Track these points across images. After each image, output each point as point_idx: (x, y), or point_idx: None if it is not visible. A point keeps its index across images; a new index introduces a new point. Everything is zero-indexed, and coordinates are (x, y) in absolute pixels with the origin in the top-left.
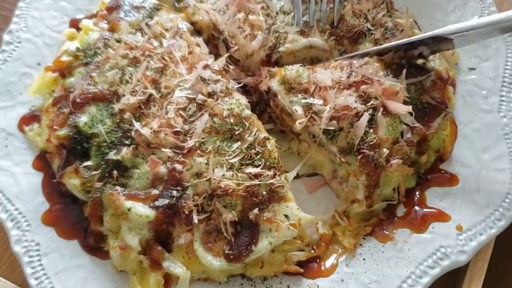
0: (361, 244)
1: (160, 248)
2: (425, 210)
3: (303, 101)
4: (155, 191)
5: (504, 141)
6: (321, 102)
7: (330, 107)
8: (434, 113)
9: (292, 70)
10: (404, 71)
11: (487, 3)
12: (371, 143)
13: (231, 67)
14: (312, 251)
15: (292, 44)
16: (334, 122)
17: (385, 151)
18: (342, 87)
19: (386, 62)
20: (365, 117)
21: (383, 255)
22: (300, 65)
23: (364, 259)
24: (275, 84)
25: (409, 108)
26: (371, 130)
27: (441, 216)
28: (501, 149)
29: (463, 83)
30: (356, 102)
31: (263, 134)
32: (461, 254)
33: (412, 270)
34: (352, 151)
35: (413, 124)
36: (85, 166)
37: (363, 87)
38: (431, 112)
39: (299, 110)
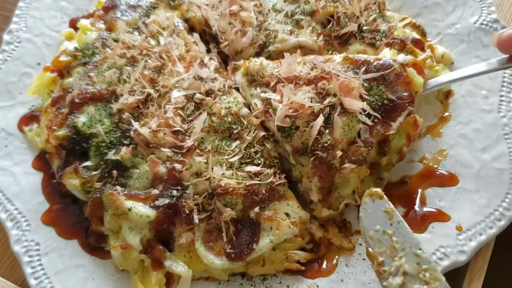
0: (360, 244)
1: (161, 247)
2: (424, 210)
3: (262, 94)
4: (155, 191)
5: (504, 141)
6: (279, 97)
7: (283, 104)
8: (396, 111)
9: (256, 62)
10: (364, 67)
11: (487, 3)
12: (325, 144)
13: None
14: (313, 253)
15: (282, 44)
16: (287, 119)
17: (339, 153)
18: (301, 83)
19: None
20: (320, 118)
21: None
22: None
23: (364, 259)
24: (238, 77)
25: (363, 104)
26: (327, 131)
27: (441, 216)
28: (501, 149)
29: (463, 83)
30: (312, 100)
31: (262, 132)
32: (460, 254)
33: None
34: (306, 151)
35: (371, 123)
36: (84, 166)
37: (320, 83)
38: (393, 110)
39: (258, 103)
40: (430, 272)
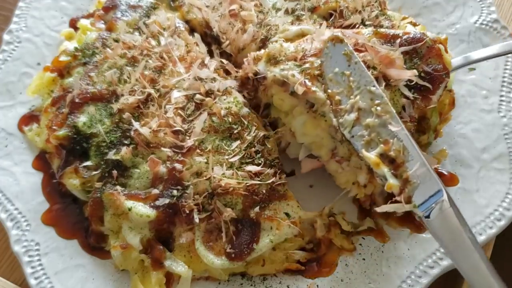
0: (360, 244)
1: (161, 247)
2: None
3: (297, 68)
4: (156, 191)
5: (503, 141)
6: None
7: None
8: (434, 84)
9: (275, 45)
10: (398, 40)
11: (487, 3)
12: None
13: (225, 62)
14: (313, 253)
15: (284, 34)
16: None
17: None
18: None
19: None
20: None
21: (383, 255)
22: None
23: (363, 259)
24: (261, 66)
25: (414, 72)
26: None
27: None
28: (500, 149)
29: (463, 83)
30: None
31: (263, 132)
32: None
33: (411, 270)
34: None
35: (413, 96)
36: (84, 166)
37: (361, 54)
38: (430, 82)
39: (295, 73)
40: (381, 106)
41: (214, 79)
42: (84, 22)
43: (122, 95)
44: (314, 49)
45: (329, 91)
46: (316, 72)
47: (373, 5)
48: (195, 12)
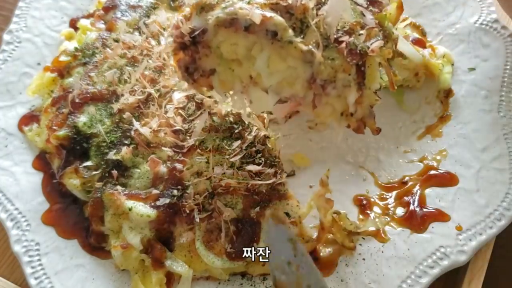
0: (360, 244)
1: (162, 247)
2: (424, 210)
3: (240, 1)
4: (156, 191)
5: (503, 141)
6: None
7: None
8: None
9: None
10: None
11: (487, 3)
12: (344, 29)
13: None
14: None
15: None
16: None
17: (363, 32)
18: None
19: None
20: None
21: (383, 255)
22: None
23: (364, 259)
24: (196, 21)
25: None
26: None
27: (441, 216)
28: (500, 149)
29: (463, 83)
30: None
31: (263, 132)
32: (460, 254)
33: (411, 270)
34: (330, 43)
35: (367, 4)
36: (85, 166)
37: None
38: None
39: (243, 5)
40: None
41: None
42: (84, 22)
43: (122, 95)
44: None
45: (277, 279)
46: (265, 1)
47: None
48: None
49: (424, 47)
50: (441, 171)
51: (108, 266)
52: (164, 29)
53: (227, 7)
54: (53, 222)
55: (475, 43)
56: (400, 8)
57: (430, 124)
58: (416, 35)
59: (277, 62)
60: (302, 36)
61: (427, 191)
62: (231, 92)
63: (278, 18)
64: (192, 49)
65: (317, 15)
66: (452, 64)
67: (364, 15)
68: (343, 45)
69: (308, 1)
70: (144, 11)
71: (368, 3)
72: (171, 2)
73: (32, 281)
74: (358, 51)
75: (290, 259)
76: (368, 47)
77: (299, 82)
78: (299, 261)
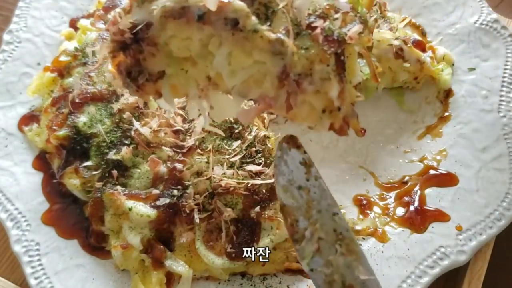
0: (360, 244)
1: (162, 247)
2: (424, 210)
3: None
4: (156, 191)
5: (503, 141)
6: None
7: None
8: None
9: None
10: None
11: (487, 3)
12: (317, 13)
13: None
14: None
15: None
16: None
17: (338, 16)
18: None
19: None
20: None
21: (383, 255)
22: None
23: None
24: (137, 14)
25: None
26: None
27: (441, 216)
28: (500, 149)
29: (463, 83)
30: None
31: (263, 132)
32: (460, 254)
33: (411, 270)
34: (302, 29)
35: None
36: (85, 166)
37: None
38: None
39: None
40: (346, 242)
41: None
42: (84, 22)
43: (122, 95)
44: None
45: (284, 203)
46: None
47: (372, 9)
48: None
49: (424, 49)
50: (441, 171)
51: (108, 266)
52: None
53: None
54: (53, 222)
55: (475, 43)
56: None
57: (430, 124)
58: (416, 35)
59: (241, 57)
60: (268, 24)
61: (427, 191)
62: (184, 98)
63: (237, 2)
64: (135, 49)
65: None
66: (452, 65)
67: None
68: (318, 31)
69: None
70: None
71: None
72: None
73: (32, 281)
74: (336, 38)
75: (302, 183)
76: (346, 34)
77: (268, 80)
78: (311, 185)
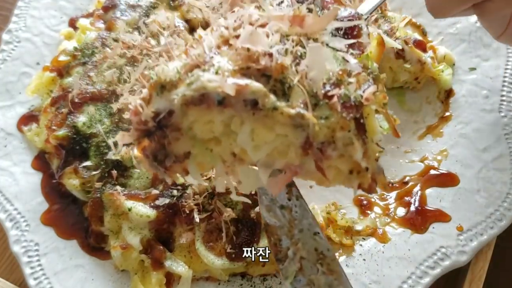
0: (361, 244)
1: (161, 247)
2: (425, 210)
3: (206, 72)
4: (155, 191)
5: (504, 141)
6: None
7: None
8: (352, 28)
9: (157, 69)
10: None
11: None
12: (331, 81)
13: None
14: None
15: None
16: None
17: (352, 81)
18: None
19: None
20: (317, 48)
21: (383, 255)
22: None
23: (364, 260)
24: (158, 103)
25: (329, 15)
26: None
27: (442, 216)
28: (501, 149)
29: (464, 82)
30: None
31: None
32: (461, 254)
33: (412, 270)
34: (319, 100)
35: (347, 47)
36: (84, 166)
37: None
38: (350, 29)
39: (210, 76)
40: (327, 261)
41: None
42: (83, 22)
43: (122, 95)
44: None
45: (267, 222)
46: (234, 66)
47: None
48: (195, 11)
49: (424, 49)
50: (442, 171)
51: (108, 267)
52: (163, 28)
53: (192, 82)
54: (53, 223)
55: (475, 42)
56: (382, 44)
57: (431, 124)
58: (417, 35)
59: (263, 133)
60: (286, 99)
61: (428, 191)
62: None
63: (255, 84)
64: (159, 135)
65: (297, 72)
66: (453, 64)
67: (347, 61)
68: (335, 99)
69: (284, 58)
70: (144, 11)
71: (348, 46)
72: (171, 2)
73: (32, 282)
74: (353, 103)
75: (283, 202)
76: (361, 96)
77: (292, 150)
78: (293, 204)
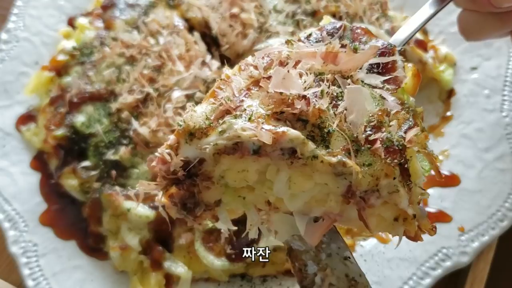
0: (362, 245)
1: (160, 248)
2: (426, 210)
3: (239, 119)
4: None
5: (506, 141)
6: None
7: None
8: (387, 63)
9: (186, 116)
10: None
11: None
12: (372, 123)
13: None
14: None
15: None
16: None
17: (394, 123)
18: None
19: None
20: (357, 89)
21: (384, 256)
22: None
23: (365, 260)
24: (188, 151)
25: (366, 52)
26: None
27: (443, 217)
28: (503, 149)
29: (465, 82)
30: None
31: None
32: (462, 255)
33: (413, 271)
34: (361, 145)
35: (381, 82)
36: (83, 167)
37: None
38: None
39: (244, 125)
40: (359, 287)
41: (215, 80)
42: (82, 21)
43: (121, 94)
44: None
45: (293, 247)
46: (267, 111)
47: (373, 8)
48: (195, 10)
49: (426, 49)
50: (443, 171)
51: (107, 268)
52: (163, 27)
53: (225, 131)
54: (51, 223)
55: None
56: (417, 76)
57: (432, 124)
58: (418, 35)
59: (301, 181)
60: (325, 145)
61: (429, 191)
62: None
63: (292, 132)
64: (188, 183)
65: (335, 115)
66: (454, 64)
67: (385, 98)
68: (378, 144)
69: (321, 102)
70: (143, 10)
71: (383, 82)
72: (170, 1)
73: (30, 283)
74: (396, 147)
75: None
76: (403, 138)
77: (332, 198)
78: None
